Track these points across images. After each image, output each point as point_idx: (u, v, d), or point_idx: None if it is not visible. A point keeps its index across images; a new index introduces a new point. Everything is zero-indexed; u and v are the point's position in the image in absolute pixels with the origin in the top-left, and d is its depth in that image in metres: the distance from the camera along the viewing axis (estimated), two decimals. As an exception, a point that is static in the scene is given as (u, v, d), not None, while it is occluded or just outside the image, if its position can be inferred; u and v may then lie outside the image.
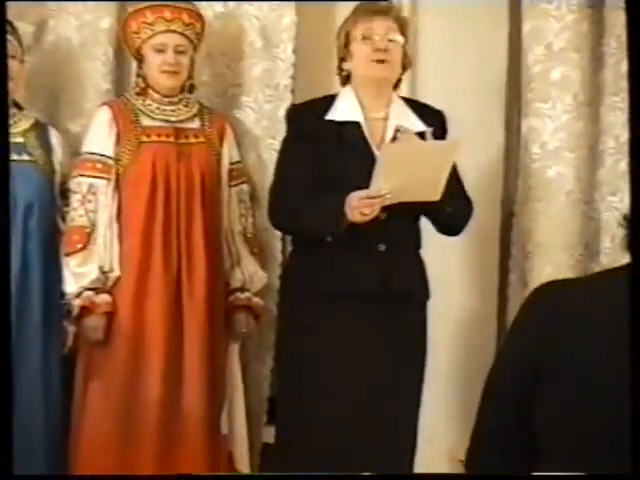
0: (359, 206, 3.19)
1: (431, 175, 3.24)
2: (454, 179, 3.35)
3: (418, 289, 3.47)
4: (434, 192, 3.26)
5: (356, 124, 3.41)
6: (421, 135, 3.39)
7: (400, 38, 3.43)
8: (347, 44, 3.43)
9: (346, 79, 3.49)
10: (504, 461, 1.98)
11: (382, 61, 3.38)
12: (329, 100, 3.46)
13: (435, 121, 3.47)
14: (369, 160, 3.32)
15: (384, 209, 3.24)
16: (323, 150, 3.37)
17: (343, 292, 3.34)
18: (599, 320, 1.85)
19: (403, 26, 3.47)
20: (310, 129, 3.40)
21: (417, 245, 3.49)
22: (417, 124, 3.44)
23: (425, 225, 3.52)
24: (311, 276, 3.40)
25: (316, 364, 3.36)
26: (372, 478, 3.30)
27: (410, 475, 3.41)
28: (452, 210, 3.36)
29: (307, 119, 3.44)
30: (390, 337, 3.38)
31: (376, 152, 3.36)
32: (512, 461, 1.97)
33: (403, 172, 3.17)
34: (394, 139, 3.39)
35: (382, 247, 3.37)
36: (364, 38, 3.39)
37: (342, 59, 3.46)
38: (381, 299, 3.36)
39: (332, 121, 3.41)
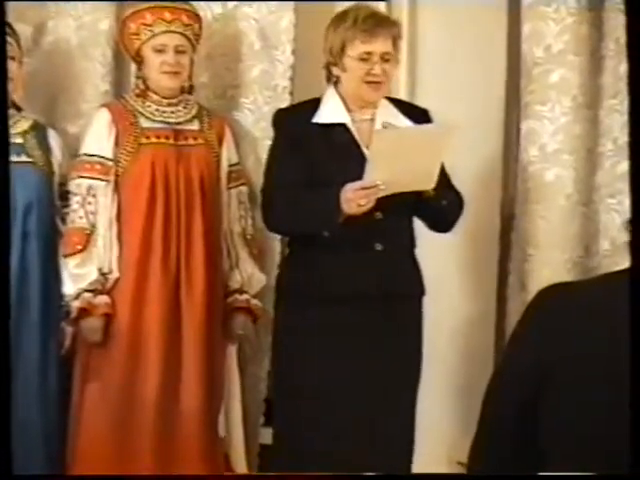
0: (355, 198, 3.20)
1: (424, 163, 3.24)
2: (442, 173, 3.35)
3: (414, 288, 3.48)
4: (428, 181, 3.27)
5: (343, 126, 3.42)
6: None
7: (398, 57, 3.43)
8: (341, 55, 3.38)
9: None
10: (508, 465, 1.98)
11: (377, 83, 3.37)
12: (315, 103, 3.47)
13: (421, 119, 3.48)
14: (359, 161, 3.33)
15: (378, 207, 3.24)
16: (312, 153, 3.38)
17: (340, 292, 3.35)
18: (604, 323, 1.86)
19: (398, 39, 3.44)
20: (298, 132, 3.41)
21: (412, 245, 3.49)
22: (404, 121, 3.45)
23: (422, 226, 3.52)
24: (307, 277, 3.40)
25: (312, 364, 3.36)
26: (370, 478, 3.30)
27: (409, 475, 3.42)
28: (447, 203, 3.36)
29: (294, 122, 3.45)
30: (387, 336, 3.38)
31: (366, 152, 3.37)
32: (516, 465, 1.97)
33: (396, 160, 3.17)
34: None
35: (379, 246, 3.38)
36: (361, 59, 3.35)
37: (333, 63, 3.43)
38: (378, 298, 3.37)
39: (319, 124, 3.42)
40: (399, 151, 3.18)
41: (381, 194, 3.21)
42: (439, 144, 3.26)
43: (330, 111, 3.43)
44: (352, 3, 3.54)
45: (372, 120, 3.45)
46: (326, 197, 3.25)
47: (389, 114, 3.47)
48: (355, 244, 3.33)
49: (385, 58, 3.37)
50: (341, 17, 3.44)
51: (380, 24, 3.38)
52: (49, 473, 3.53)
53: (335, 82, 3.46)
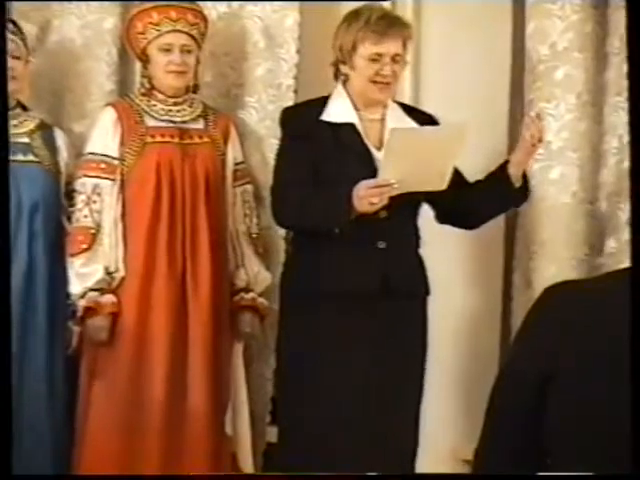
0: (367, 195, 3.19)
1: (437, 163, 3.25)
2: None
3: (419, 286, 3.48)
4: (441, 181, 3.27)
5: (351, 125, 3.42)
6: None
7: (406, 58, 3.43)
8: (352, 53, 3.39)
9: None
10: (513, 464, 1.98)
11: (385, 84, 3.38)
12: (322, 101, 3.47)
13: (427, 124, 3.48)
14: (367, 160, 3.34)
15: (384, 206, 3.24)
16: (320, 151, 3.38)
17: (344, 290, 3.35)
18: (609, 321, 1.86)
19: (408, 40, 3.45)
20: (305, 130, 3.41)
21: (417, 244, 3.50)
22: (413, 126, 3.46)
23: (429, 225, 3.53)
24: (311, 275, 3.41)
25: (317, 363, 3.36)
26: (373, 478, 3.30)
27: (411, 475, 3.41)
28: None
29: (302, 121, 3.45)
30: (391, 335, 3.39)
31: (374, 152, 3.37)
32: (521, 464, 1.97)
33: (410, 159, 3.18)
34: None
35: (382, 244, 3.38)
36: (372, 60, 3.37)
37: (342, 61, 3.44)
38: (382, 297, 3.37)
39: (327, 122, 3.42)
40: (414, 150, 3.19)
41: (394, 193, 3.21)
42: (453, 145, 3.27)
43: (338, 110, 3.43)
44: (361, 3, 3.54)
45: (382, 120, 3.46)
46: (337, 195, 3.25)
47: (398, 118, 3.46)
48: (358, 242, 3.33)
49: (395, 59, 3.39)
50: (353, 16, 3.44)
51: (392, 25, 3.39)
52: (55, 473, 3.53)
53: (344, 80, 3.47)
